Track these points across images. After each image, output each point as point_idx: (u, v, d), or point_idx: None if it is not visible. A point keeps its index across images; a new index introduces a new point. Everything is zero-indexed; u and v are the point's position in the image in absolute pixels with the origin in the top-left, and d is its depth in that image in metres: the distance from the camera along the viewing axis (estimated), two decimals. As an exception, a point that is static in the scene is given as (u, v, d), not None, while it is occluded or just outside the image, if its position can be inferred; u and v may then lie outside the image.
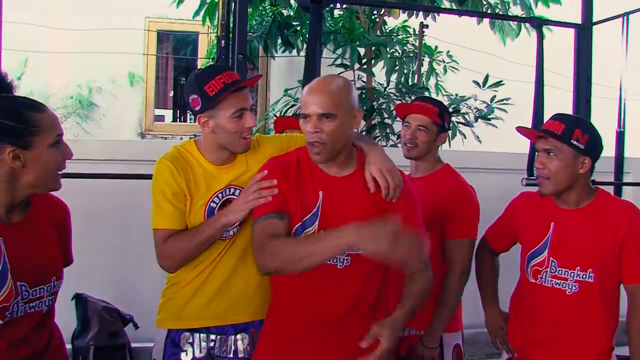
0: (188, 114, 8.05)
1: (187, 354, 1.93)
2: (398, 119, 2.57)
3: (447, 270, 2.23)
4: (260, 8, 5.30)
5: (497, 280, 2.28)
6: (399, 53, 5.62)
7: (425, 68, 5.57)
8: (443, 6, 5.37)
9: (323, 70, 3.34)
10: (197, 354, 1.93)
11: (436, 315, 2.20)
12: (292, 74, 6.08)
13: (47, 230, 1.63)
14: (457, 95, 5.02)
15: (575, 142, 1.90)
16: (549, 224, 2.01)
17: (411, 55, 5.67)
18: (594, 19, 3.86)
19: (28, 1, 6.29)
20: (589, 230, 1.94)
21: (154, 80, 7.40)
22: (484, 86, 4.99)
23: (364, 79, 5.41)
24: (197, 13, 5.31)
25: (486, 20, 5.45)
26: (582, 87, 3.81)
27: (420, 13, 5.42)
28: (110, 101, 7.06)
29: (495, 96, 4.88)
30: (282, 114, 4.74)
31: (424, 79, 5.50)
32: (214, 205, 1.89)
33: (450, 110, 4.69)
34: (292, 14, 5.36)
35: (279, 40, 5.27)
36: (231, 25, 3.13)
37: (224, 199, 1.90)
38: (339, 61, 5.08)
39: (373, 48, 5.13)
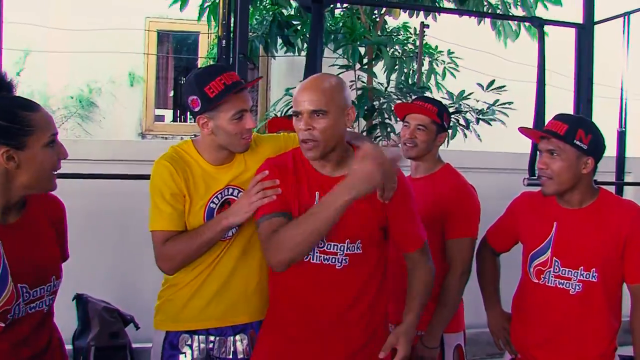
0: (188, 114, 8.04)
1: (185, 356, 1.92)
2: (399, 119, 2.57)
3: (448, 270, 2.23)
4: (261, 7, 5.29)
5: (498, 280, 2.28)
6: (399, 53, 5.62)
7: (425, 67, 5.57)
8: (444, 6, 5.37)
9: (324, 71, 3.34)
10: (196, 356, 1.92)
11: (436, 315, 2.20)
12: (293, 74, 6.08)
13: (45, 229, 1.62)
14: (460, 93, 5.00)
15: (578, 143, 1.89)
16: (551, 223, 2.00)
17: (411, 55, 5.66)
18: (594, 19, 3.86)
19: (28, 1, 6.28)
20: (592, 230, 1.94)
21: (154, 80, 7.39)
22: (487, 89, 4.98)
23: (364, 79, 5.40)
24: (201, 15, 5.30)
25: (487, 21, 5.45)
26: (583, 87, 3.81)
27: (421, 13, 5.41)
28: (111, 101, 7.05)
29: (498, 100, 4.87)
30: (283, 114, 4.73)
31: (424, 78, 5.49)
32: (214, 206, 1.89)
33: (452, 110, 4.68)
34: (292, 13, 5.35)
35: (280, 40, 5.26)
36: (232, 25, 3.12)
37: (223, 199, 1.90)
38: (340, 62, 5.07)
39: (374, 48, 5.12)
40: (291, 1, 5.18)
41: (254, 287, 1.95)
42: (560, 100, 3.73)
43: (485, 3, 5.25)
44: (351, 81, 4.72)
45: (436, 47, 5.78)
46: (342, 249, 1.77)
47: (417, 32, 5.59)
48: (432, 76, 5.61)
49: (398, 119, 2.57)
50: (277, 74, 6.95)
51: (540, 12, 5.31)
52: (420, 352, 2.20)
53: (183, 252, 1.84)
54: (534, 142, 2.94)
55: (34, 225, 1.58)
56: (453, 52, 5.70)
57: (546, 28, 3.83)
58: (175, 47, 8.02)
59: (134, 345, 3.17)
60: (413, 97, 4.08)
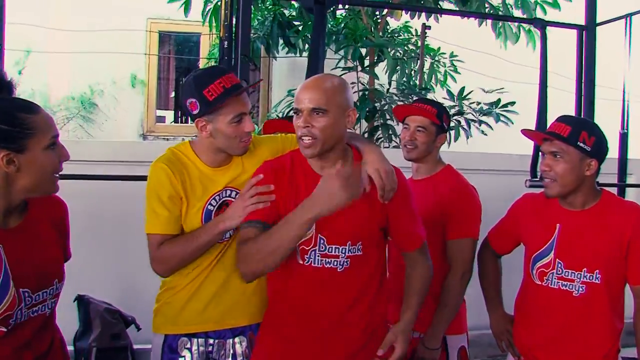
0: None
1: (185, 359, 1.92)
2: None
3: (449, 270, 2.22)
4: (262, 8, 5.29)
5: (500, 282, 2.28)
6: (400, 54, 5.62)
7: (427, 68, 5.57)
8: (445, 7, 5.37)
9: (326, 72, 3.33)
10: (195, 359, 1.92)
11: (437, 316, 2.20)
12: (294, 75, 6.08)
13: (47, 231, 1.60)
14: (460, 91, 4.99)
15: (581, 145, 1.89)
16: (554, 225, 2.00)
17: (413, 56, 5.66)
18: (597, 20, 3.85)
19: (28, 1, 6.27)
20: (595, 232, 1.93)
21: (156, 81, 7.37)
22: (488, 91, 4.98)
23: (364, 81, 5.40)
24: (205, 19, 5.30)
25: (488, 22, 5.45)
26: (585, 88, 3.80)
27: (423, 14, 5.41)
28: (112, 102, 7.03)
29: (500, 99, 4.86)
30: (284, 115, 4.73)
31: (425, 78, 5.50)
32: (211, 208, 1.88)
33: (453, 111, 4.68)
34: (294, 14, 5.35)
35: (281, 41, 5.26)
36: (234, 26, 3.12)
37: (221, 201, 1.89)
38: (342, 63, 5.07)
39: (376, 49, 5.12)
40: (293, 2, 5.18)
41: (253, 290, 1.94)
42: (561, 102, 3.73)
43: (487, 5, 5.26)
44: (352, 83, 4.72)
45: (438, 48, 5.78)
46: (343, 252, 1.77)
47: (419, 34, 5.59)
48: (434, 76, 5.62)
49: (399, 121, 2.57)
50: (278, 74, 6.95)
51: (540, 13, 5.31)
52: (422, 353, 2.20)
53: (178, 256, 1.84)
54: (537, 144, 2.94)
55: (36, 229, 1.56)
56: (457, 55, 5.70)
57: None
58: (176, 48, 8.01)
59: (135, 347, 3.17)
60: (413, 99, 4.08)
